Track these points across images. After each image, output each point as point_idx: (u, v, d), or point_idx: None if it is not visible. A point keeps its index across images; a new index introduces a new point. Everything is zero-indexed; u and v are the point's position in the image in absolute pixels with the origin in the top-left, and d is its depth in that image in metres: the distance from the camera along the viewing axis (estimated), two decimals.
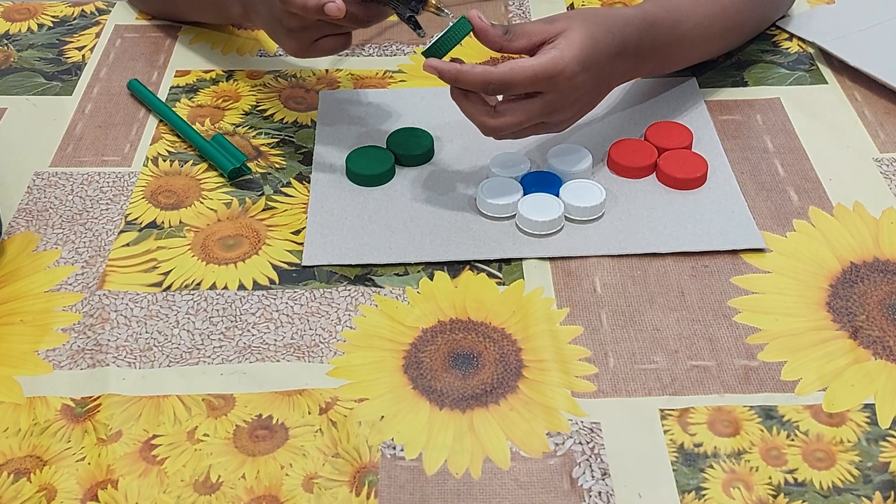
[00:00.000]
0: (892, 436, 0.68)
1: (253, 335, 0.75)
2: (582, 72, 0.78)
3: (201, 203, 0.86)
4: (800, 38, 1.03)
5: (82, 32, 1.08)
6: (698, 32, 0.90)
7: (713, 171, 0.87)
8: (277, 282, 0.79)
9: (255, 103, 0.97)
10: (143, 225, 0.84)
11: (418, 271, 0.80)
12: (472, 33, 0.78)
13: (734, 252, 0.80)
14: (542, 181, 0.85)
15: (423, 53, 0.79)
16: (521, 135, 0.82)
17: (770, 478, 0.65)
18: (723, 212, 0.83)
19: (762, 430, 0.68)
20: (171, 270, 0.80)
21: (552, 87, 0.78)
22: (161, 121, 0.95)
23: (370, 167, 0.87)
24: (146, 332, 0.75)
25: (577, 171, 0.86)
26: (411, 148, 0.89)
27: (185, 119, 0.95)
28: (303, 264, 0.80)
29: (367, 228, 0.83)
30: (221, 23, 1.06)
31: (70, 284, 0.79)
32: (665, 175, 0.86)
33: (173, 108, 0.96)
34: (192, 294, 0.78)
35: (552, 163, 0.86)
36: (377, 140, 0.91)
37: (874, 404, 0.69)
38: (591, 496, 0.64)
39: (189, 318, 0.76)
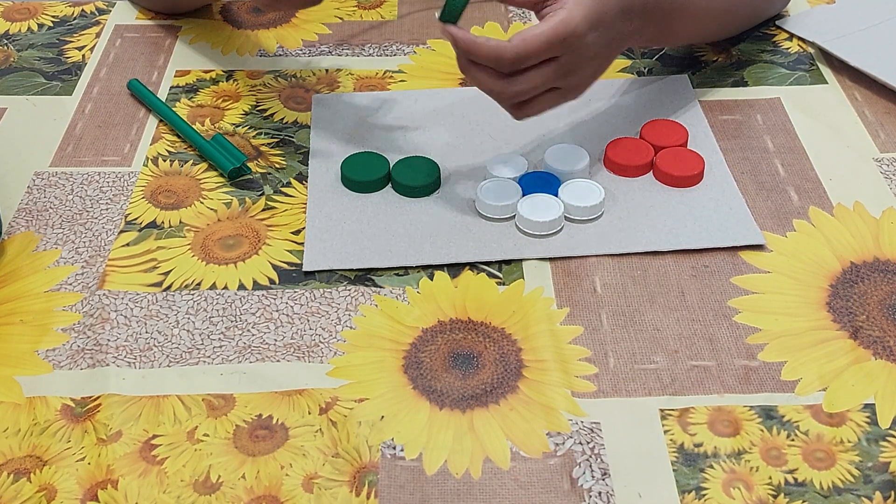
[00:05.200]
0: (892, 436, 0.68)
1: (253, 335, 0.75)
2: (592, 30, 0.77)
3: (201, 203, 0.86)
4: (800, 38, 1.03)
5: (82, 32, 1.08)
6: (700, 5, 0.90)
7: (709, 168, 0.87)
8: (277, 282, 0.79)
9: (255, 103, 0.97)
10: (143, 225, 0.84)
11: (418, 271, 0.80)
12: None
13: (734, 252, 0.80)
14: (541, 182, 0.85)
15: (440, 19, 0.78)
16: (540, 105, 0.80)
17: (770, 478, 0.65)
18: (721, 209, 0.84)
19: (762, 430, 0.68)
20: (171, 270, 0.80)
21: (565, 50, 0.77)
22: (161, 121, 0.95)
23: (365, 173, 0.86)
24: (146, 332, 0.75)
25: (574, 171, 0.86)
26: (417, 180, 0.86)
27: (185, 119, 0.95)
28: (304, 270, 0.80)
29: (366, 232, 0.82)
30: None
31: (70, 284, 0.79)
32: (662, 173, 0.86)
33: (173, 108, 0.96)
34: (192, 294, 0.78)
35: (550, 163, 0.86)
36: (372, 144, 0.91)
37: (874, 404, 0.69)
38: (591, 496, 0.64)
39: (189, 318, 0.76)
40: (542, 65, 0.77)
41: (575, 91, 0.81)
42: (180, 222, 0.84)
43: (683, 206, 0.84)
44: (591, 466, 0.66)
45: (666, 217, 0.83)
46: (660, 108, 0.94)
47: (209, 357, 0.74)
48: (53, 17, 1.10)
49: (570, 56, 0.77)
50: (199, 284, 0.79)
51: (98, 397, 0.71)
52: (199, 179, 0.89)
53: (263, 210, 0.85)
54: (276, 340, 0.75)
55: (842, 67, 0.99)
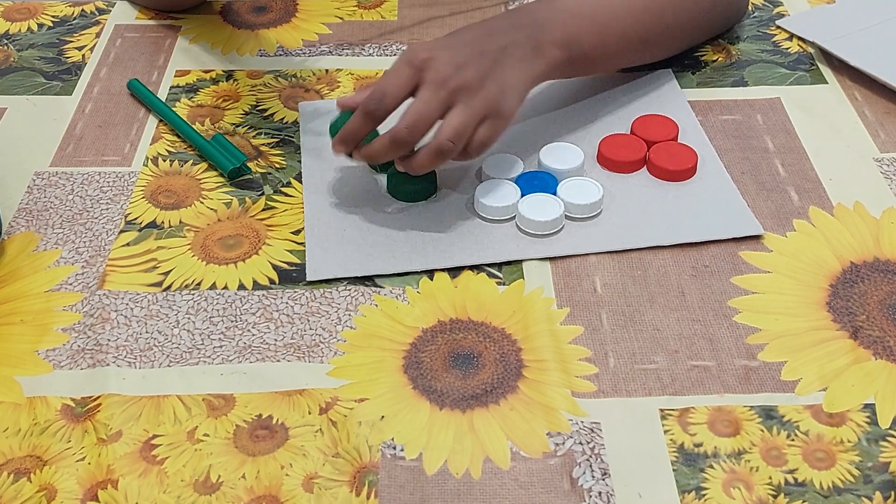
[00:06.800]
0: (892, 436, 0.68)
1: (253, 335, 0.75)
2: (437, 45, 0.81)
3: (201, 203, 0.86)
4: (800, 38, 1.03)
5: (82, 32, 1.08)
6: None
7: (702, 161, 0.87)
8: (277, 282, 0.79)
9: (255, 103, 0.97)
10: (143, 225, 0.84)
11: (418, 271, 0.80)
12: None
13: (734, 252, 0.80)
14: (538, 181, 0.85)
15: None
16: (476, 140, 0.80)
17: (770, 478, 0.65)
18: (717, 201, 0.84)
19: (762, 430, 0.68)
20: (171, 270, 0.80)
21: (421, 64, 0.79)
22: (161, 121, 0.95)
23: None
24: (146, 332, 0.75)
25: (570, 170, 0.86)
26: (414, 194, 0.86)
27: (185, 119, 0.95)
28: (307, 279, 0.79)
29: (367, 239, 0.82)
30: None
31: (70, 284, 0.79)
32: (657, 168, 0.86)
33: (173, 108, 0.96)
34: (193, 294, 0.78)
35: (545, 162, 0.86)
36: None
37: (874, 404, 0.69)
38: (591, 496, 0.64)
39: (189, 318, 0.76)
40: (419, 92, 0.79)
41: (496, 114, 0.80)
42: (180, 222, 0.84)
43: (680, 201, 0.84)
44: (591, 466, 0.66)
45: (664, 212, 0.83)
46: (647, 103, 0.94)
47: (209, 357, 0.74)
48: (53, 16, 1.10)
49: (431, 70, 0.79)
50: (199, 284, 0.79)
51: (98, 397, 0.71)
52: (199, 179, 0.89)
53: (263, 210, 0.85)
54: (276, 340, 0.75)
55: (842, 67, 0.99)
